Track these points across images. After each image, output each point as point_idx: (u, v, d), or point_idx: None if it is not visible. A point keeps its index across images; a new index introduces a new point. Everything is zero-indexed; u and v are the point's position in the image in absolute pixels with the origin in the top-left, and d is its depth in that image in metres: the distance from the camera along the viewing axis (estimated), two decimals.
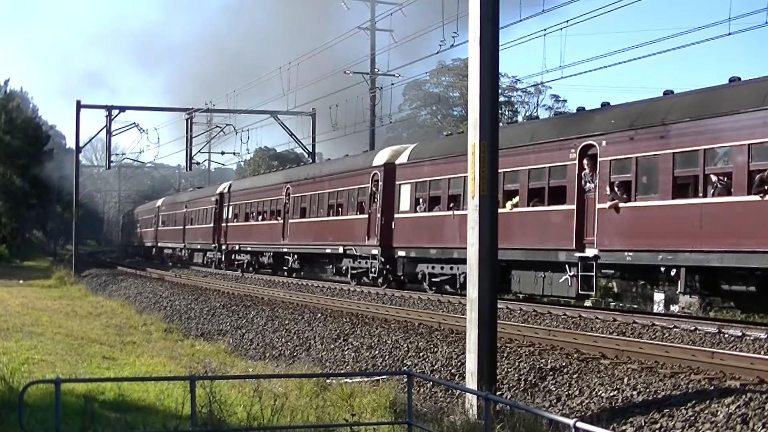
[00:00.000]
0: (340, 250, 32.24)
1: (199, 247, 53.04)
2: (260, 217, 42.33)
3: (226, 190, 48.76)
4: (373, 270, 29.85)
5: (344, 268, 32.53)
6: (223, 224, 47.62)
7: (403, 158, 29.21)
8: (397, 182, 28.93)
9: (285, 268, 39.47)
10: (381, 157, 30.36)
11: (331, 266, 34.93)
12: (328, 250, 33.69)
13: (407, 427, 10.47)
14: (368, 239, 29.87)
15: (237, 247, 45.23)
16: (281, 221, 38.67)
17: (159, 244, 65.31)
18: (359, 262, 31.03)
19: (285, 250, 38.57)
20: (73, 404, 11.84)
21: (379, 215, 29.32)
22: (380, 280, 29.79)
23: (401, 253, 28.48)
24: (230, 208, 47.27)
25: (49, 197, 75.97)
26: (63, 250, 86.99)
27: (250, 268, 43.78)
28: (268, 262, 41.44)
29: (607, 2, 21.33)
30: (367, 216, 30.27)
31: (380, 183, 29.49)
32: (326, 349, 19.37)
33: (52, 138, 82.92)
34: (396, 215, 28.77)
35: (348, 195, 32.45)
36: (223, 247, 47.21)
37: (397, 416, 12.30)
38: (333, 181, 34.34)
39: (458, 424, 11.36)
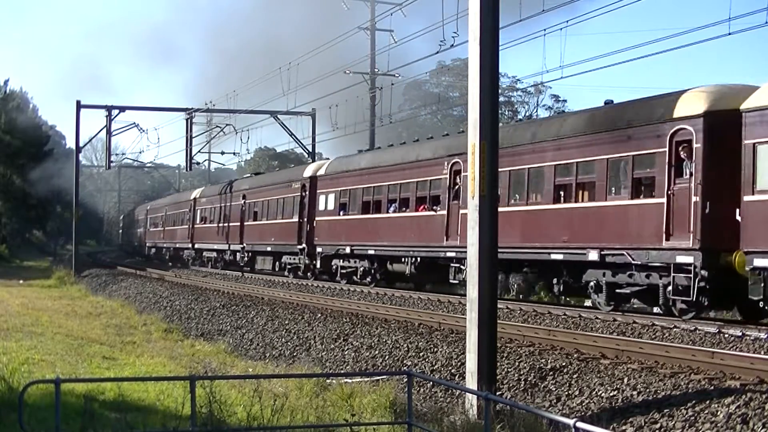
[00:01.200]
0: (592, 256, 20.63)
1: (269, 249, 40.46)
2: (393, 208, 29.75)
3: (321, 172, 35.59)
4: (677, 287, 18.54)
5: (592, 284, 21.09)
6: (317, 218, 34.96)
7: (760, 99, 16.99)
8: (748, 141, 16.92)
9: (454, 280, 26.75)
10: (693, 104, 18.73)
11: (555, 281, 22.68)
12: (557, 256, 21.95)
13: (407, 427, 10.47)
14: (668, 238, 18.70)
15: (347, 250, 32.36)
16: (443, 213, 26.40)
17: (197, 245, 53.07)
18: (632, 276, 19.92)
19: (450, 254, 26.05)
20: (73, 404, 11.84)
21: (696, 198, 18.12)
22: (680, 305, 18.71)
23: (762, 263, 16.61)
24: (329, 196, 34.27)
25: (49, 197, 76.01)
26: (63, 250, 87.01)
27: (367, 279, 31.44)
28: (410, 271, 28.82)
29: (607, 2, 21.28)
30: (662, 200, 18.87)
31: (698, 146, 18.24)
32: (326, 349, 19.37)
33: (52, 138, 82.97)
34: (748, 198, 16.92)
35: (605, 168, 20.56)
36: (318, 249, 34.59)
37: (397, 416, 12.30)
38: (564, 150, 21.91)
39: (458, 424, 11.37)
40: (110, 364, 18.00)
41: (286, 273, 38.64)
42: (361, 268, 31.72)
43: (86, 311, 30.22)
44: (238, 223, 44.69)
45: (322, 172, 35.55)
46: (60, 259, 69.76)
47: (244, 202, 44.55)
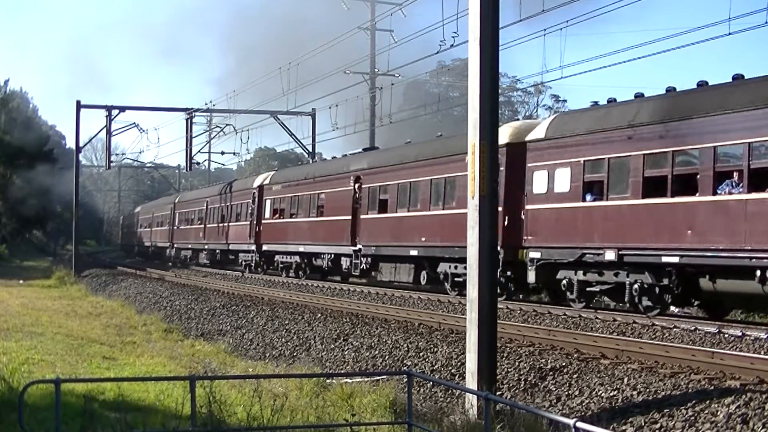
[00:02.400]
0: None
1: (414, 252, 27.70)
2: (742, 186, 17.58)
3: (537, 135, 22.92)
4: None
5: None
6: (529, 207, 22.64)
7: None
8: None
9: None
10: None
11: None
12: None
13: (407, 427, 10.47)
14: None
15: (608, 255, 20.16)
16: None
17: (267, 247, 40.51)
18: None
19: None
20: (73, 404, 11.84)
21: None
22: None
23: None
24: (557, 172, 21.84)
25: (49, 197, 76.07)
26: (63, 250, 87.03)
27: (643, 302, 20.00)
28: None
29: (607, 2, 21.25)
30: None
31: None
32: (326, 349, 19.38)
33: (52, 138, 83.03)
34: None
35: None
36: (533, 254, 22.46)
37: (397, 416, 12.31)
38: None
39: (458, 424, 11.36)
40: (110, 364, 18.00)
41: (448, 289, 26.14)
42: (635, 285, 19.94)
43: (86, 311, 30.21)
44: (349, 217, 32.15)
45: (538, 134, 22.91)
46: (60, 259, 69.75)
47: (358, 188, 32.08)
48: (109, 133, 53.17)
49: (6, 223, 73.17)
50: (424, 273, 28.00)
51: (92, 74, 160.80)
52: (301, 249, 36.49)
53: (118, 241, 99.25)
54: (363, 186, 31.84)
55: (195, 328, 26.01)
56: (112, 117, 52.50)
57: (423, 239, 27.33)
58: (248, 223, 42.73)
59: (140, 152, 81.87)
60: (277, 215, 39.84)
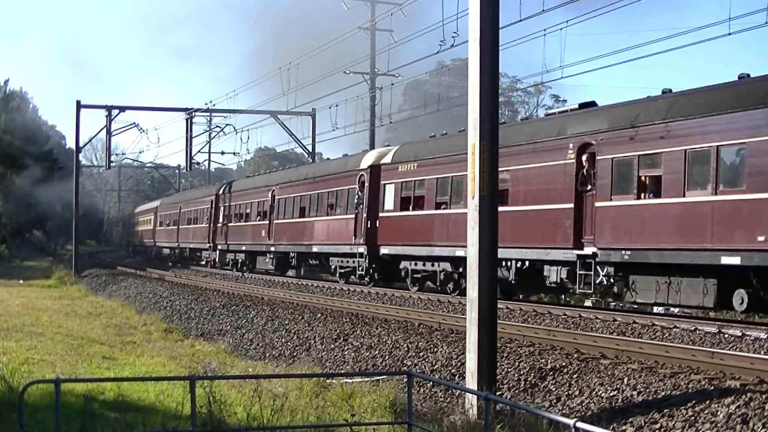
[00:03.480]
0: None
1: (732, 260, 17.16)
2: None
3: None
4: None
5: None
6: None
7: None
8: None
9: None
10: None
11: None
12: None
13: (407, 427, 10.47)
14: None
15: None
16: None
17: (388, 250, 29.61)
18: None
19: None
20: (73, 404, 11.85)
21: None
22: None
23: None
24: None
25: (49, 198, 76.13)
26: (63, 250, 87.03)
27: None
28: None
29: (607, 2, 21.28)
30: None
31: None
32: (326, 349, 19.38)
33: (52, 138, 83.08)
34: None
35: None
36: None
37: (397, 416, 12.31)
38: None
39: (458, 424, 11.37)
40: (110, 364, 18.01)
41: None
42: None
43: (86, 311, 30.22)
44: (568, 206, 21.34)
45: None
46: (60, 259, 69.74)
47: (587, 160, 21.02)
48: (109, 133, 53.20)
49: (6, 223, 73.20)
50: (741, 293, 17.74)
51: (92, 74, 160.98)
52: (459, 253, 24.44)
53: (118, 241, 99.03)
54: (599, 158, 20.56)
55: (195, 328, 26.01)
56: (112, 117, 52.52)
57: (762, 238, 16.62)
58: (352, 217, 31.85)
59: (140, 152, 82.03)
60: (408, 205, 28.74)
